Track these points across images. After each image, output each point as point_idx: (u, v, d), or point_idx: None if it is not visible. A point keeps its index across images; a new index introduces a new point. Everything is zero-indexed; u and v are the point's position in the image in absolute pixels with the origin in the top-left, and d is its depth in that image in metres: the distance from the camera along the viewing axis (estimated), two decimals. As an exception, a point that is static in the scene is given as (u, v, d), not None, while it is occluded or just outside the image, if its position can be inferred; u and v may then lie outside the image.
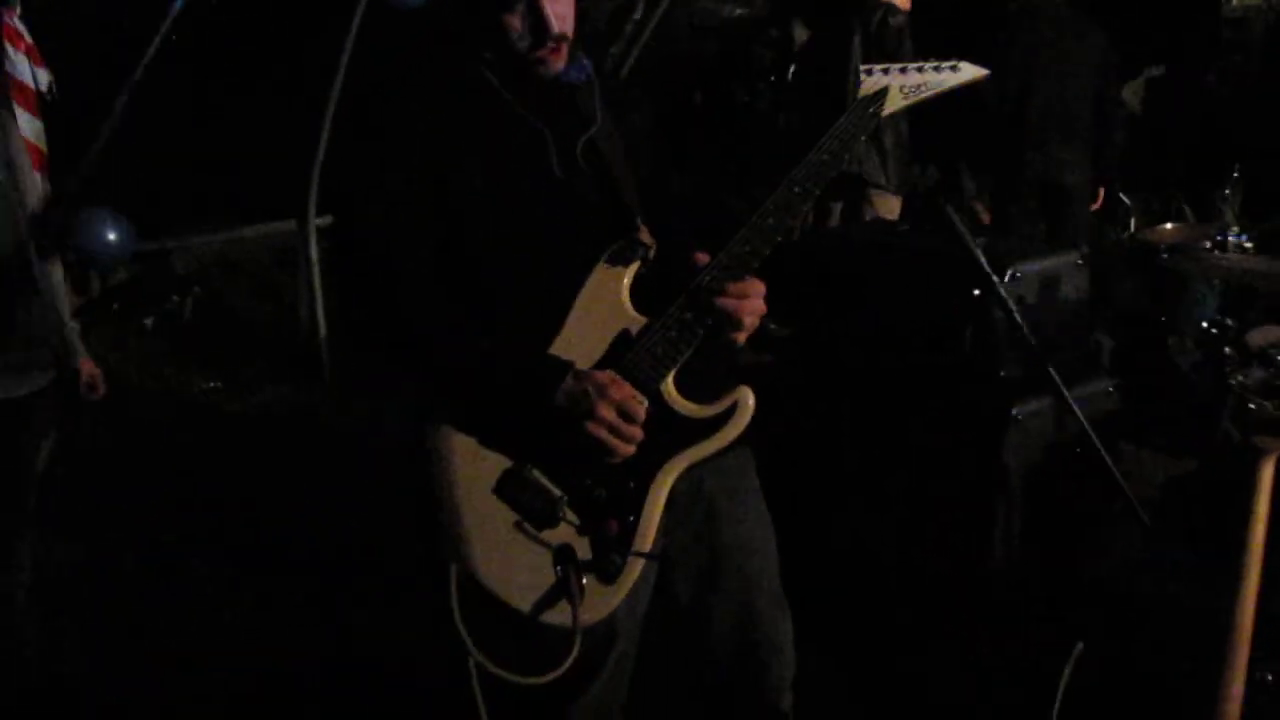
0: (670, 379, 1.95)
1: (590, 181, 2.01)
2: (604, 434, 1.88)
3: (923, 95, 2.01)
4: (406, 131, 1.95)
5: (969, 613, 2.89)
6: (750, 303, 1.95)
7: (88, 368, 2.97)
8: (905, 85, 2.02)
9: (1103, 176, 5.58)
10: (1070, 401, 2.53)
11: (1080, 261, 3.11)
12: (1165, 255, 3.36)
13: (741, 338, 1.96)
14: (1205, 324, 3.96)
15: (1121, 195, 6.52)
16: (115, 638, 3.39)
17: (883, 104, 2.01)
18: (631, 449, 1.90)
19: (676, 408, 1.95)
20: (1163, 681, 2.34)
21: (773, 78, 6.74)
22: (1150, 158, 7.05)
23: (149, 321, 6.39)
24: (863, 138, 2.03)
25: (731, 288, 1.93)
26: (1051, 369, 2.58)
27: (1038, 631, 2.73)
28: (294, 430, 5.03)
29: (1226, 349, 3.33)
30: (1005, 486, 2.86)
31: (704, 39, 7.85)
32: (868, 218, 5.07)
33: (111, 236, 4.32)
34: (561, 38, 1.97)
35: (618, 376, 1.92)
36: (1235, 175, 5.67)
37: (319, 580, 3.58)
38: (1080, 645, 2.13)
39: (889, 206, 5.18)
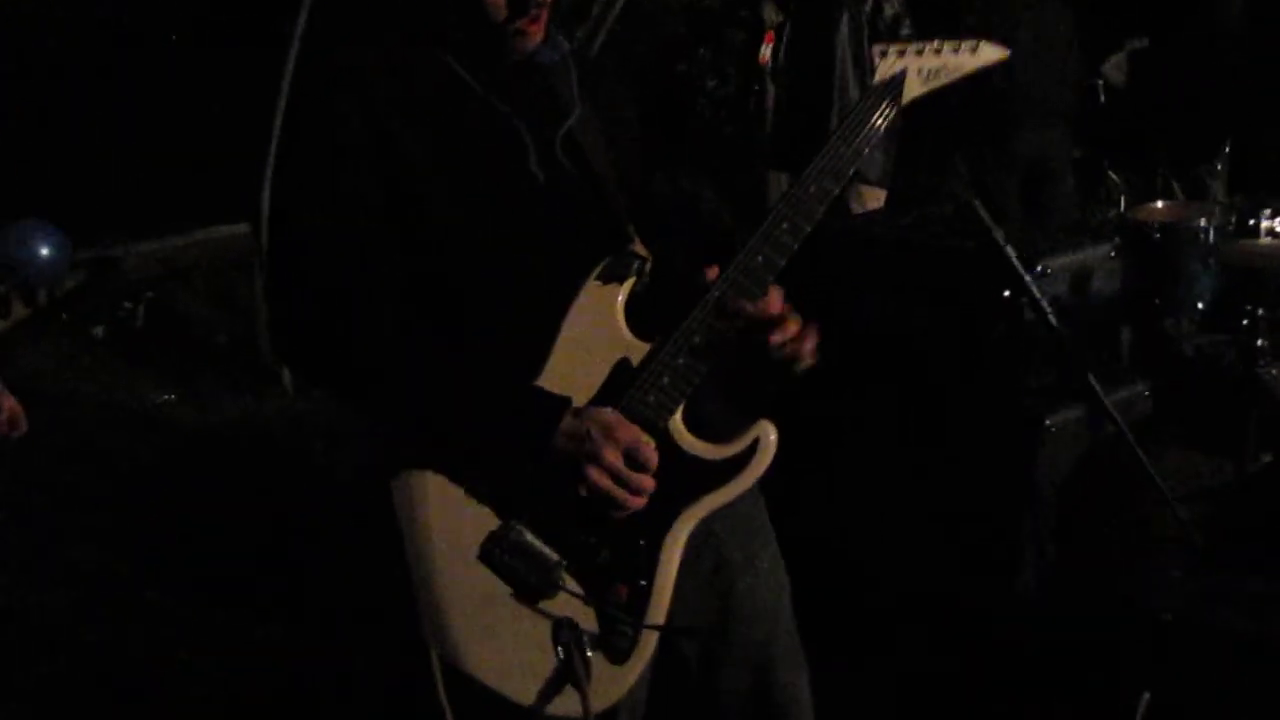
0: (679, 415, 1.68)
1: (573, 182, 1.74)
2: (610, 485, 1.62)
3: (941, 81, 1.76)
4: (359, 124, 1.66)
5: (997, 643, 2.66)
6: (766, 319, 1.69)
7: (8, 404, 2.69)
8: (923, 69, 1.76)
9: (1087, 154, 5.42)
10: (1114, 414, 2.28)
11: (1113, 253, 2.87)
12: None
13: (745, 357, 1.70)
14: (1201, 304, 3.80)
15: (1110, 173, 6.35)
16: (61, 676, 3.19)
17: (901, 91, 1.75)
18: (642, 501, 1.64)
19: (688, 449, 1.69)
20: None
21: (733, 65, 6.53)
22: (1135, 133, 6.90)
23: (99, 331, 6.10)
24: (882, 129, 1.75)
25: (747, 305, 1.67)
26: (1092, 377, 2.33)
27: (1076, 666, 2.48)
28: (254, 446, 4.77)
29: (1260, 341, 3.11)
30: (1036, 503, 2.62)
31: (673, 22, 7.60)
32: (855, 211, 4.85)
33: (44, 251, 4.01)
34: (542, 3, 1.69)
35: (621, 415, 1.65)
36: (1226, 150, 5.49)
37: (282, 611, 3.35)
38: (1147, 696, 1.87)
39: (876, 199, 4.99)
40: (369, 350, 1.66)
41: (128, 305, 6.20)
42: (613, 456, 1.61)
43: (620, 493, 1.62)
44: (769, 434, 1.70)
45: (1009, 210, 5.06)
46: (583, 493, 1.63)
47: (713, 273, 1.70)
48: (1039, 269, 2.67)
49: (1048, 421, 2.66)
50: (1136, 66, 7.44)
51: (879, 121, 1.73)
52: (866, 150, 1.72)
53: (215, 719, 3.03)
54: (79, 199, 6.02)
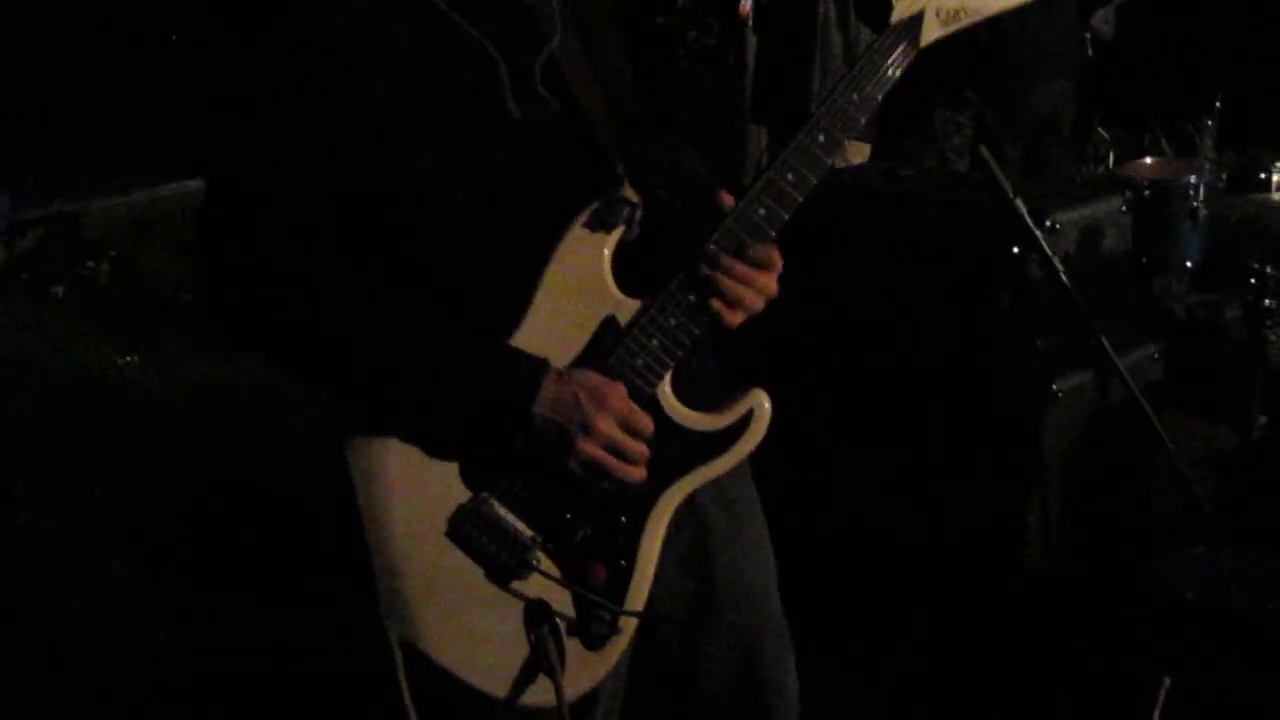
0: (667, 381, 1.54)
1: (555, 117, 1.56)
2: (605, 456, 1.47)
3: (963, 22, 1.60)
4: (306, 47, 1.47)
5: (1000, 618, 2.54)
6: (766, 278, 1.54)
7: None
8: (942, 9, 1.60)
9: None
10: (1129, 380, 2.14)
11: (1124, 208, 2.73)
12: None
13: (736, 320, 1.55)
14: (1189, 264, 3.71)
15: (1099, 128, 6.24)
16: (24, 656, 3.05)
17: (919, 33, 1.58)
18: (641, 474, 1.50)
19: (677, 418, 1.54)
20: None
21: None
22: (1123, 88, 6.80)
23: (60, 290, 5.90)
24: (897, 75, 1.59)
25: (745, 260, 1.51)
26: (1103, 339, 2.19)
27: (1083, 642, 2.36)
28: (218, 412, 4.61)
29: (1268, 300, 2.97)
30: (1042, 471, 2.48)
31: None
32: (838, 166, 4.70)
33: None
34: None
35: (609, 379, 1.50)
36: (1217, 105, 5.37)
37: (251, 585, 3.22)
38: (1168, 680, 1.74)
39: (860, 152, 4.85)
40: (314, 304, 1.48)
41: (90, 264, 6.03)
42: (606, 425, 1.47)
43: (617, 464, 1.48)
44: (763, 403, 1.57)
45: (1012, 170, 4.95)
46: (572, 466, 1.48)
47: (728, 200, 1.54)
48: (1048, 224, 2.52)
49: (1055, 387, 2.53)
50: (1125, 19, 7.31)
51: (893, 68, 1.58)
52: (880, 96, 1.57)
53: (177, 695, 2.91)
54: (37, 154, 5.90)
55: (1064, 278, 2.20)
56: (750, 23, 5.64)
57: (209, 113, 1.56)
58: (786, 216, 1.53)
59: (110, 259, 6.07)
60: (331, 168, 1.47)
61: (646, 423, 1.50)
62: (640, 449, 1.50)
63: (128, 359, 5.14)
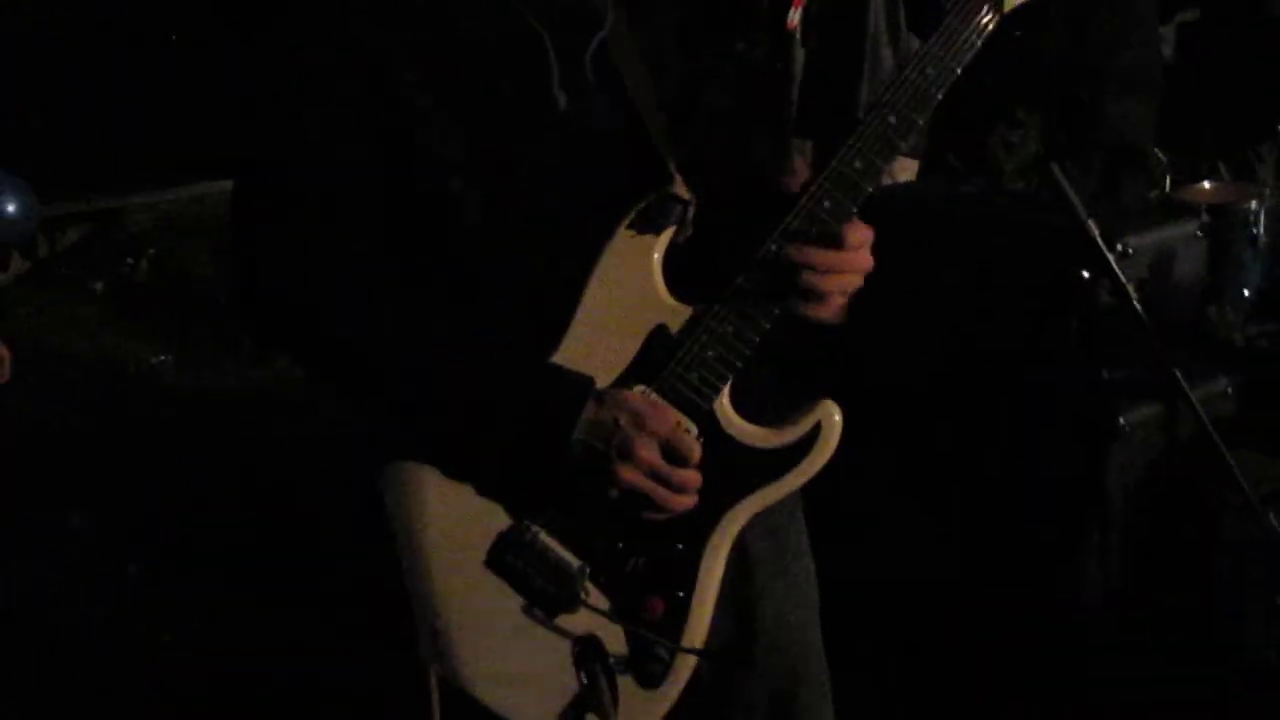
0: (725, 394, 1.42)
1: (604, 108, 1.44)
2: (648, 484, 1.36)
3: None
4: (339, 30, 1.36)
5: (1055, 671, 2.42)
6: (849, 258, 1.39)
7: None
8: None
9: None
10: (1203, 415, 2.03)
11: (1199, 232, 2.62)
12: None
13: (826, 312, 1.42)
14: (1247, 292, 3.58)
15: (1157, 151, 6.13)
16: (37, 654, 3.03)
17: None
18: (689, 502, 1.38)
19: (737, 435, 1.42)
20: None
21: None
22: (1181, 110, 6.67)
23: (99, 286, 5.95)
24: (978, 45, 1.42)
25: (813, 255, 1.38)
26: (1177, 372, 2.08)
27: (1144, 696, 2.25)
28: (248, 416, 4.60)
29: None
30: (1105, 512, 2.36)
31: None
32: (885, 182, 4.61)
33: (10, 208, 3.80)
34: None
35: (658, 398, 1.39)
36: (1278, 129, 5.25)
37: (272, 589, 3.19)
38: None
39: (908, 169, 4.75)
40: (345, 310, 1.38)
41: (130, 261, 6.07)
42: (647, 452, 1.35)
43: (661, 493, 1.37)
44: (833, 415, 1.44)
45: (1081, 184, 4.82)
46: (613, 494, 1.37)
47: (802, 172, 1.42)
48: (1119, 247, 2.41)
49: (1122, 420, 2.41)
50: (1185, 40, 7.18)
51: (974, 34, 1.40)
52: (959, 70, 1.41)
53: (194, 701, 2.86)
54: (82, 151, 5.88)
55: (1138, 305, 2.09)
56: (798, 36, 5.56)
57: (234, 110, 1.47)
58: (854, 209, 1.40)
59: (149, 256, 6.10)
60: (368, 164, 1.38)
61: (693, 447, 1.39)
62: (686, 476, 1.38)
63: (161, 358, 5.14)
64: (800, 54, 5.45)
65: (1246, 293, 3.56)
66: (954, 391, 2.64)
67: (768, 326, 1.41)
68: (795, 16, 5.46)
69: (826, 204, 1.39)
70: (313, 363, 1.44)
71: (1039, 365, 2.48)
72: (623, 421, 1.35)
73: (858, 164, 1.39)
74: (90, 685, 2.92)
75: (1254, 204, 3.33)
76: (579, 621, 1.38)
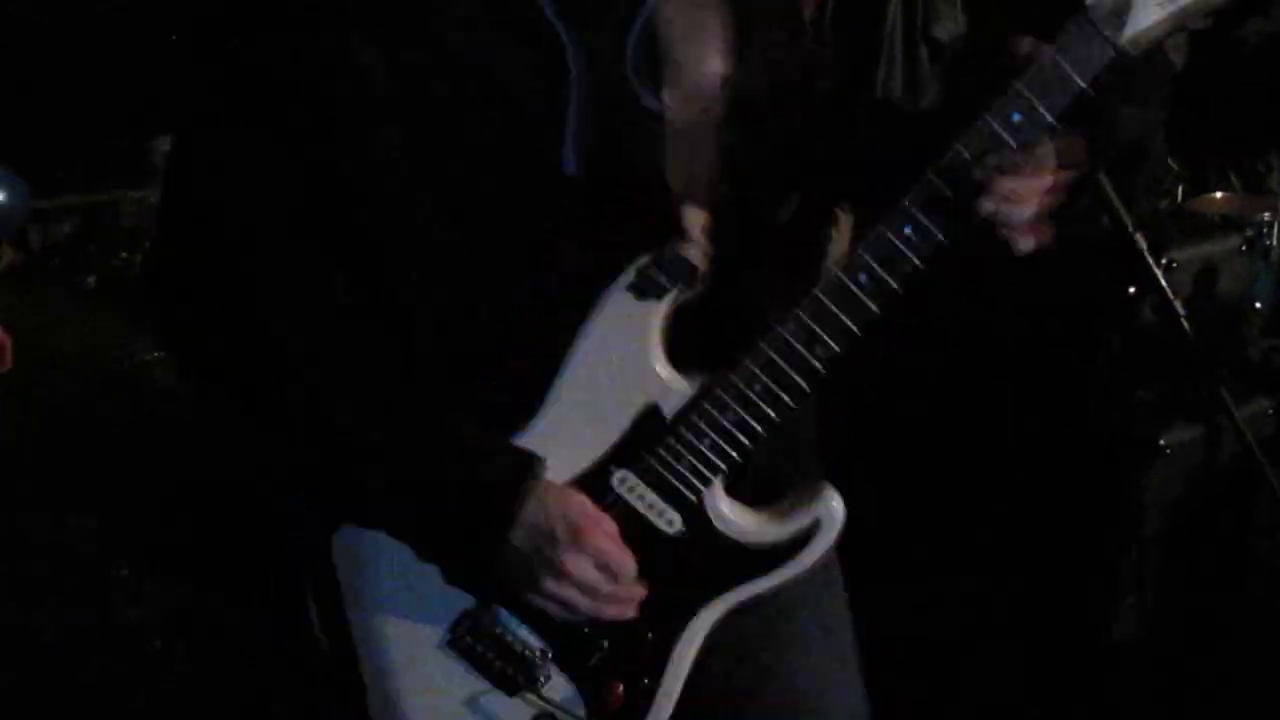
0: (718, 485, 1.29)
1: (617, 153, 1.28)
2: (575, 597, 1.25)
3: (1181, 2, 1.18)
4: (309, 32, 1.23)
5: (1087, 689, 2.37)
6: None
7: None
8: None
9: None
10: (1249, 437, 1.93)
11: (1244, 247, 2.52)
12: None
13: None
14: (1259, 304, 3.50)
15: (1169, 160, 6.05)
16: (20, 663, 2.97)
17: (1123, 23, 1.18)
18: (623, 613, 1.28)
19: (723, 526, 1.30)
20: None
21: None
22: (1191, 119, 6.60)
23: (91, 280, 5.90)
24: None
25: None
26: (1223, 390, 1.98)
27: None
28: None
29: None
30: (1141, 536, 2.27)
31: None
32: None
33: (1, 200, 3.74)
34: None
35: (592, 508, 1.26)
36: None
37: (261, 595, 2.96)
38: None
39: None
40: (277, 348, 1.25)
41: (123, 255, 5.95)
42: (577, 568, 1.23)
43: (587, 604, 1.26)
44: (833, 511, 1.30)
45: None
46: (538, 604, 1.26)
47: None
48: (1164, 262, 2.31)
49: (1161, 441, 2.32)
50: (1197, 48, 7.10)
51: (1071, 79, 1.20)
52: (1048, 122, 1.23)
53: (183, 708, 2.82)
54: (74, 144, 5.80)
55: (1184, 322, 1.99)
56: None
57: (182, 110, 1.31)
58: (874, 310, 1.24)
59: (144, 250, 5.95)
60: (319, 190, 1.24)
61: (626, 567, 1.25)
62: (617, 592, 1.26)
63: (155, 355, 4.96)
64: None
65: (1259, 306, 3.48)
66: (992, 408, 2.56)
67: (778, 420, 1.26)
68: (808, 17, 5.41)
69: (863, 277, 1.23)
70: (239, 405, 1.33)
71: (1079, 382, 2.39)
72: (560, 532, 1.23)
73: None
74: (79, 687, 2.87)
75: (1267, 215, 3.25)
76: (536, 704, 1.31)
